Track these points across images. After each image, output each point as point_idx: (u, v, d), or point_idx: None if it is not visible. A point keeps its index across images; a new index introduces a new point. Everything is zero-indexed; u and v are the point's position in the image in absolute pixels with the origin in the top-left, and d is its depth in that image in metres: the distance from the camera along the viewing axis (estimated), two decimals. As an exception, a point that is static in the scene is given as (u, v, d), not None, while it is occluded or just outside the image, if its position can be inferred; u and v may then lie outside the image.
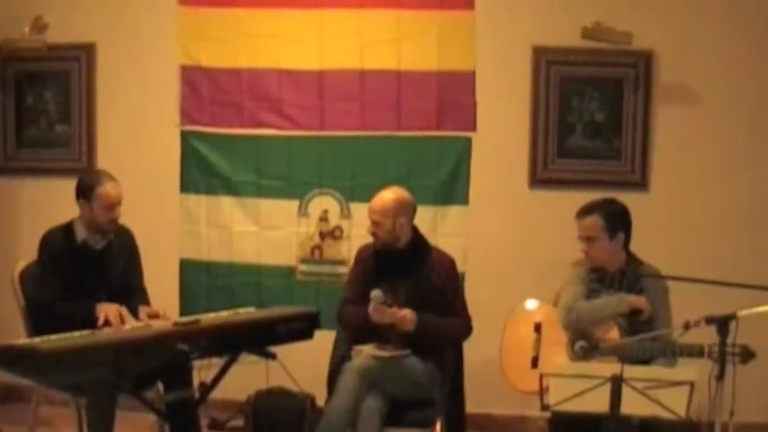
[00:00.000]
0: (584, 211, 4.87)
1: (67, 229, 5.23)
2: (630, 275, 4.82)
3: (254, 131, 6.52)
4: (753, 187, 6.17)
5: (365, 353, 4.95)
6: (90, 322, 4.83)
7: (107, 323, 4.89)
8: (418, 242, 5.23)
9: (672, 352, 4.49)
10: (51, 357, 4.06)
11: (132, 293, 5.35)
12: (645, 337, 4.49)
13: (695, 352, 4.38)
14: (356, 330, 5.13)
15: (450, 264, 5.26)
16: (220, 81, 6.53)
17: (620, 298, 4.72)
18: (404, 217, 5.16)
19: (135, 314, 5.20)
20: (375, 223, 5.15)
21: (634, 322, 4.71)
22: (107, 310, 4.97)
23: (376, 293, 4.91)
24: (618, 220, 4.85)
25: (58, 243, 5.18)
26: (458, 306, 5.19)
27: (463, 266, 5.95)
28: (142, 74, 6.63)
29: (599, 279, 4.86)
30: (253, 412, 6.15)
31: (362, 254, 5.35)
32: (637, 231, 4.95)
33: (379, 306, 4.90)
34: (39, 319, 5.12)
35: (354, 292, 5.19)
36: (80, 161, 6.71)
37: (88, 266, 5.19)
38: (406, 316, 4.93)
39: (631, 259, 4.89)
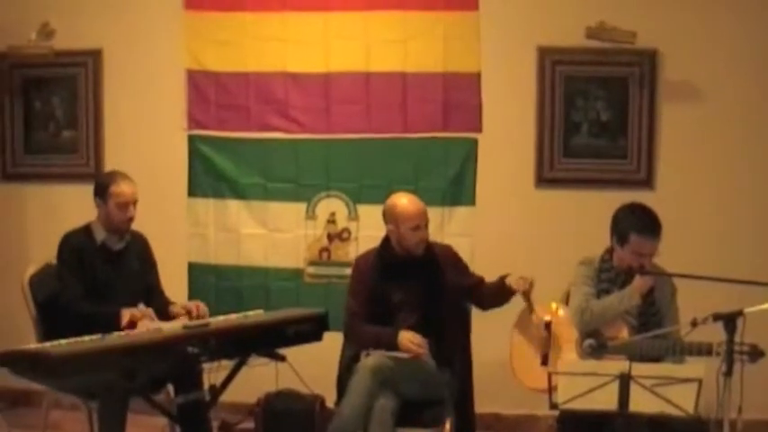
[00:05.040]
0: (657, 230, 4.69)
1: (86, 230, 5.28)
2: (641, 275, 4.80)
3: (260, 135, 6.54)
4: (759, 185, 6.17)
5: (378, 353, 4.97)
6: (111, 326, 4.85)
7: (131, 325, 4.91)
8: None
9: (680, 350, 4.48)
10: (62, 361, 4.08)
11: (151, 295, 5.43)
12: (652, 334, 4.48)
13: (704, 350, 4.37)
14: (368, 348, 5.12)
15: (450, 253, 5.32)
16: (227, 85, 6.55)
17: (628, 290, 4.69)
18: None
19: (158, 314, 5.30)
20: (426, 226, 5.16)
21: (645, 322, 4.72)
22: (132, 313, 5.01)
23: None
24: None
25: (79, 244, 5.24)
26: (475, 277, 5.27)
27: (471, 266, 5.96)
28: (149, 79, 6.65)
29: (609, 279, 4.84)
30: (263, 414, 6.16)
31: (363, 264, 5.31)
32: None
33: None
34: (51, 323, 5.15)
35: (361, 305, 5.17)
36: (87, 166, 6.73)
37: (108, 267, 5.26)
38: None
39: None
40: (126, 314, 5.01)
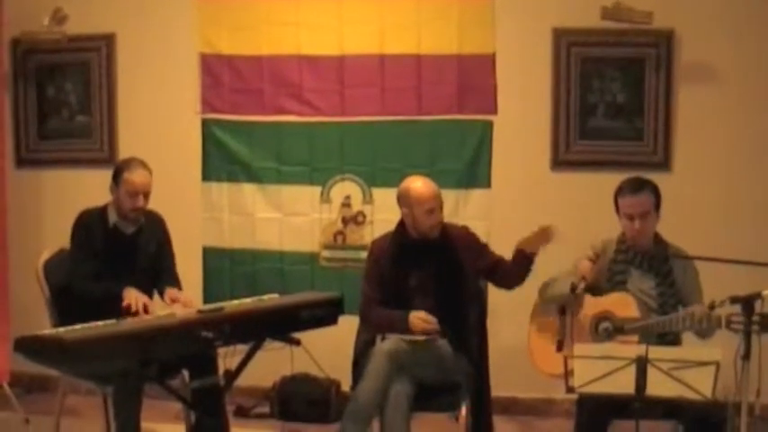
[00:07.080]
0: (638, 187, 4.73)
1: (101, 211, 5.29)
2: (659, 256, 4.77)
3: (274, 118, 6.52)
4: (776, 166, 6.13)
5: (394, 337, 4.95)
6: (115, 305, 4.86)
7: (129, 310, 4.90)
8: None
9: (689, 325, 4.42)
10: (76, 347, 4.07)
11: (161, 277, 5.40)
12: (668, 318, 4.45)
13: (713, 322, 4.33)
14: (383, 332, 5.10)
15: (466, 234, 5.27)
16: (241, 68, 6.53)
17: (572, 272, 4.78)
18: None
19: (163, 295, 5.32)
20: (440, 208, 5.11)
21: (664, 303, 4.68)
22: (133, 296, 5.00)
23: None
24: (660, 198, 4.80)
25: (91, 224, 5.25)
26: (495, 256, 5.21)
27: (486, 250, 5.95)
28: (162, 63, 6.65)
29: (626, 260, 4.82)
30: (278, 398, 6.20)
31: (379, 248, 5.28)
32: (659, 211, 4.93)
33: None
34: (64, 307, 5.16)
35: (376, 290, 5.14)
36: (102, 151, 6.74)
37: (118, 250, 5.25)
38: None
39: (659, 240, 4.85)
40: (129, 294, 5.00)
